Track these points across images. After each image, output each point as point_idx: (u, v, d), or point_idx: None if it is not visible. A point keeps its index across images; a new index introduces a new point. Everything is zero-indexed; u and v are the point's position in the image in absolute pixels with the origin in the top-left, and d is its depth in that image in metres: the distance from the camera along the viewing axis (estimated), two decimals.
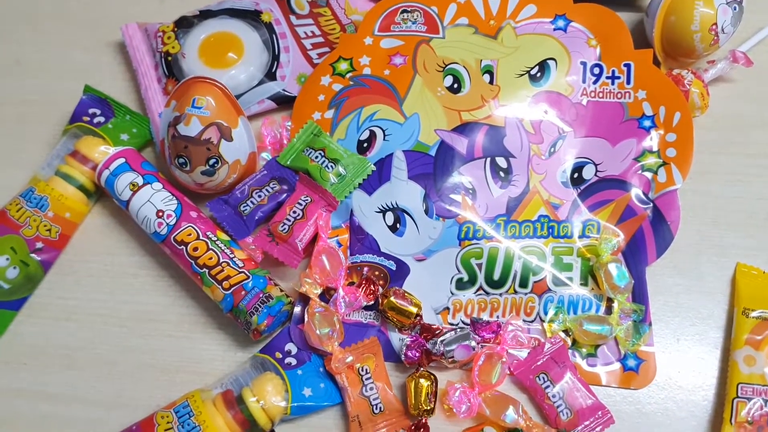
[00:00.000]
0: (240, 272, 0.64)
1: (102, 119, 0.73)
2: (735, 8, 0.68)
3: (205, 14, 0.75)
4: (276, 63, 0.73)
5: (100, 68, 0.78)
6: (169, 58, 0.73)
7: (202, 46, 0.73)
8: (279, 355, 0.64)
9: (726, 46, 0.72)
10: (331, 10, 0.76)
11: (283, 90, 0.73)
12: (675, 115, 0.68)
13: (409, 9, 0.73)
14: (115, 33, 0.78)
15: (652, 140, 0.67)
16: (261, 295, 0.63)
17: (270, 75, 0.73)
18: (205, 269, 0.64)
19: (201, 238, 0.65)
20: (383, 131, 0.69)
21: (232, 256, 0.65)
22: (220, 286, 0.64)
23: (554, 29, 0.71)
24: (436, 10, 0.73)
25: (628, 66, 0.69)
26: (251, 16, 0.75)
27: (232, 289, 0.63)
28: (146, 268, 0.70)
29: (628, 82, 0.69)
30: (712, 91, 0.71)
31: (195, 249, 0.65)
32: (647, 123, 0.68)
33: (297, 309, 0.66)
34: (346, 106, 0.70)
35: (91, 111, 0.73)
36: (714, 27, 0.67)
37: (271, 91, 0.73)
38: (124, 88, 0.77)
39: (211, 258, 0.64)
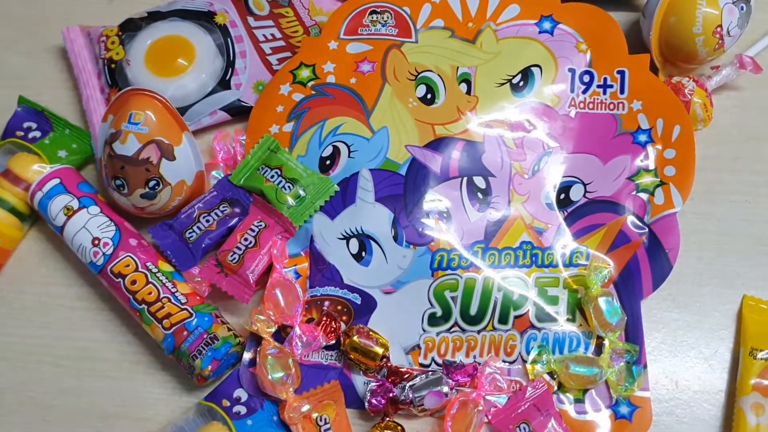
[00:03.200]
0: (182, 309, 0.58)
1: (38, 134, 0.67)
2: (742, 8, 0.63)
3: (154, 16, 0.69)
4: (231, 70, 0.68)
5: (40, 75, 0.72)
6: (113, 66, 0.68)
7: (149, 52, 0.68)
8: (227, 402, 0.58)
9: (732, 51, 0.67)
10: (293, 11, 0.70)
11: (238, 100, 0.68)
12: (674, 128, 0.63)
13: (378, 10, 0.68)
14: (57, 36, 0.72)
15: (649, 157, 0.63)
16: (205, 336, 0.57)
17: (224, 83, 0.68)
18: (144, 305, 0.59)
19: (140, 269, 0.59)
20: (348, 147, 0.64)
21: (174, 290, 0.59)
22: (160, 325, 0.58)
23: (539, 32, 0.66)
24: (409, 11, 0.68)
25: (621, 73, 0.65)
26: (204, 18, 0.69)
27: (173, 328, 0.58)
28: (85, 299, 0.64)
29: (622, 92, 0.65)
30: (717, 101, 0.66)
31: (133, 282, 0.59)
32: (643, 137, 0.63)
33: (248, 351, 0.60)
34: (307, 119, 0.65)
35: (26, 125, 0.67)
36: (719, 29, 0.63)
37: (224, 101, 0.67)
38: (66, 98, 0.71)
39: (150, 293, 0.59)
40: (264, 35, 0.69)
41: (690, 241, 0.63)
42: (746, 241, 0.63)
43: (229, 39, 0.69)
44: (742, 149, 0.66)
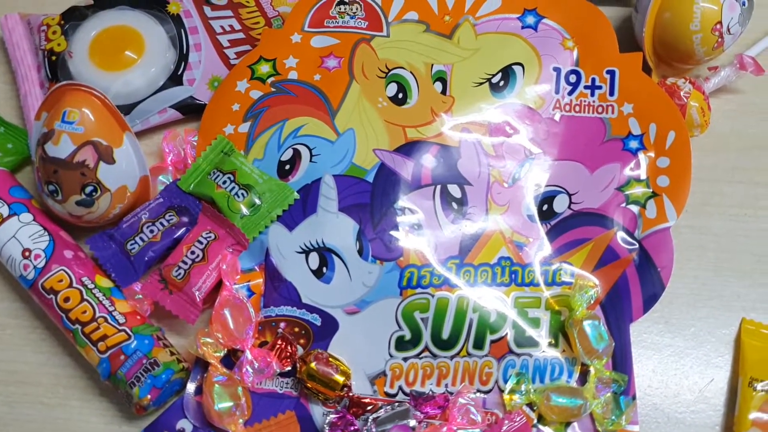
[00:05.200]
0: (120, 330, 0.53)
1: None
2: (744, 3, 0.60)
3: (101, 4, 0.65)
4: (183, 64, 0.63)
5: None
6: (54, 58, 0.63)
7: (94, 44, 0.63)
8: None
9: (731, 50, 0.64)
10: (255, 0, 0.66)
11: (191, 97, 0.63)
12: (669, 134, 0.60)
13: (347, 0, 0.64)
14: None
15: (640, 165, 0.60)
16: (144, 361, 0.53)
17: (175, 78, 0.63)
18: (77, 325, 0.54)
19: (74, 285, 0.55)
20: (310, 150, 0.60)
21: (111, 308, 0.54)
22: (95, 348, 0.53)
23: (522, 27, 0.63)
24: (380, 2, 0.64)
25: (611, 73, 0.62)
26: (156, 7, 0.65)
27: (109, 352, 0.53)
28: (17, 317, 0.59)
29: (612, 94, 0.61)
30: (714, 105, 0.63)
31: (66, 299, 0.54)
32: (634, 144, 0.60)
33: (193, 378, 0.55)
34: (266, 118, 0.61)
35: None
36: (718, 26, 0.59)
37: (175, 98, 0.63)
38: (3, 93, 0.66)
39: (85, 312, 0.54)
40: (221, 26, 0.65)
41: (684, 259, 0.59)
42: (746, 258, 0.60)
43: (182, 30, 0.64)
44: (741, 158, 0.63)
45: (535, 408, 0.54)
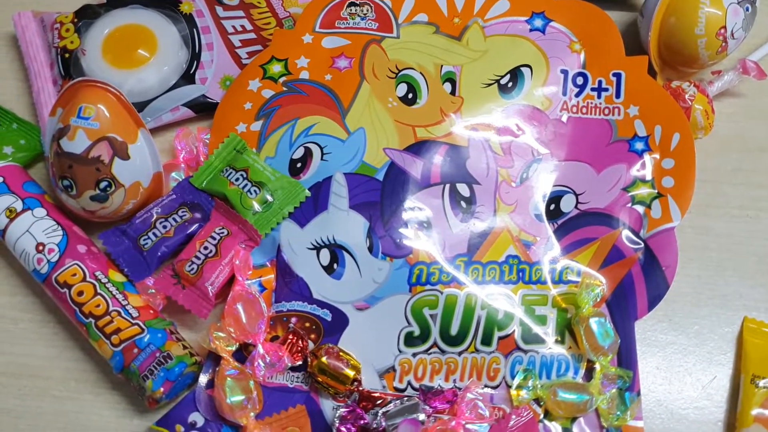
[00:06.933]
0: (133, 324, 0.53)
1: None
2: (747, 9, 0.60)
3: (114, 3, 0.65)
4: (196, 63, 0.63)
5: None
6: (67, 55, 0.63)
7: (107, 42, 0.63)
8: (180, 428, 0.53)
9: (735, 55, 0.64)
10: (266, 1, 0.66)
11: (203, 95, 0.63)
12: (673, 136, 0.60)
13: (357, 2, 0.64)
14: (8, 22, 0.67)
15: (646, 166, 0.60)
16: (157, 355, 0.53)
17: (188, 77, 0.63)
18: (91, 319, 0.54)
19: (88, 279, 0.55)
20: (321, 149, 0.60)
21: (125, 303, 0.54)
22: (108, 341, 0.53)
23: (530, 30, 0.63)
24: (390, 4, 0.64)
25: (617, 76, 0.62)
26: (168, 6, 0.65)
27: (123, 345, 0.53)
28: (30, 311, 0.59)
29: (618, 96, 0.61)
30: (718, 108, 0.63)
31: (80, 293, 0.54)
32: (640, 145, 0.60)
33: (205, 371, 0.55)
34: (278, 117, 0.61)
35: None
36: (722, 31, 0.60)
37: (188, 97, 0.63)
38: (16, 90, 0.66)
39: (98, 305, 0.54)
40: (233, 26, 0.65)
41: (688, 258, 0.59)
42: (748, 258, 0.60)
43: (195, 29, 0.64)
44: (743, 160, 0.63)
45: (541, 403, 0.55)
